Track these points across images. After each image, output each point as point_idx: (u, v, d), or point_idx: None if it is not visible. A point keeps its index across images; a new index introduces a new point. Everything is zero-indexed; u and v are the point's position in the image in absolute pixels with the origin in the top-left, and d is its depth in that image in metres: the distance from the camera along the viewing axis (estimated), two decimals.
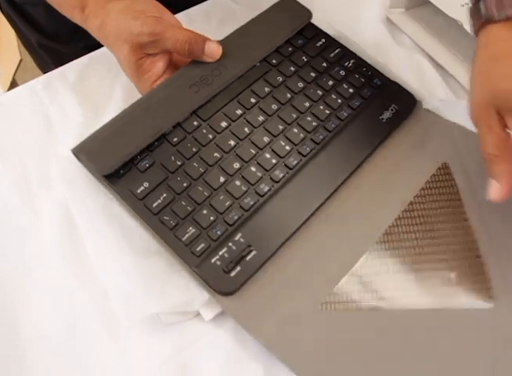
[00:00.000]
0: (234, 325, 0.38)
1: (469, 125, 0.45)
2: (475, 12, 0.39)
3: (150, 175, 0.41)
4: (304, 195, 0.42)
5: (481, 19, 0.38)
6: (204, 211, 0.40)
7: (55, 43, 0.68)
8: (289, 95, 0.46)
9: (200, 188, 0.40)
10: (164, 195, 0.40)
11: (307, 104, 0.46)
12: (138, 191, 0.40)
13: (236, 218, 0.40)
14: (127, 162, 0.41)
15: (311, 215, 0.41)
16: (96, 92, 0.51)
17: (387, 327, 0.37)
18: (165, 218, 0.39)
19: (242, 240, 0.39)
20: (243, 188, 0.41)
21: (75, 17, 0.47)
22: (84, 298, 0.40)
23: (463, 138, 0.46)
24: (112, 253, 0.40)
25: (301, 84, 0.47)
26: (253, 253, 0.38)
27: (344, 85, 0.47)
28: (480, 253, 0.40)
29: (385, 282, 0.39)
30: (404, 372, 0.36)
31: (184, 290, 0.38)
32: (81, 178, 0.44)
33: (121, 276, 0.39)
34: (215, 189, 0.41)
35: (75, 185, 0.44)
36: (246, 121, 0.44)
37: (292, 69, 0.47)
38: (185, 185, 0.40)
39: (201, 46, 0.43)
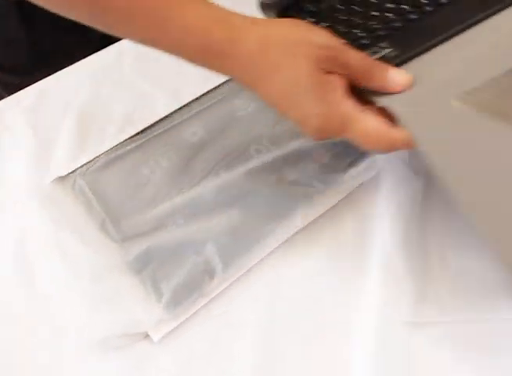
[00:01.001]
0: (183, 345, 0.39)
1: None
2: None
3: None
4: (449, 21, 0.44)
5: None
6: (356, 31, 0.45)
7: (13, 77, 0.65)
8: None
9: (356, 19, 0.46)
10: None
11: None
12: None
13: (382, 34, 0.44)
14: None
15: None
16: (48, 122, 0.52)
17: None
18: None
19: (385, 46, 0.42)
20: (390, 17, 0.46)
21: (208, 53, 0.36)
22: (34, 324, 0.40)
23: None
24: (61, 279, 0.41)
25: None
26: (393, 53, 0.41)
27: None
28: None
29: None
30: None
31: (132, 312, 0.39)
32: (33, 209, 0.45)
33: (70, 301, 0.40)
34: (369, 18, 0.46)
35: (27, 214, 0.45)
36: None
37: None
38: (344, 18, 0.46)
39: (384, 74, 0.37)
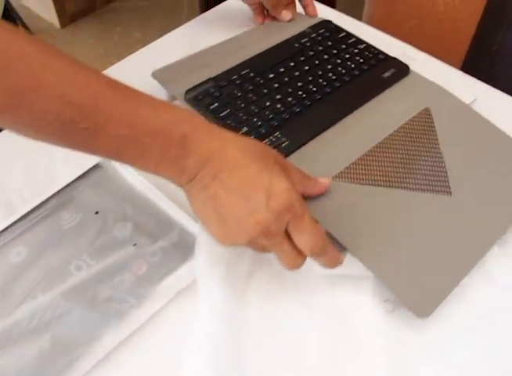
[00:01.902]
0: None
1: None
2: None
3: (221, 98, 0.59)
4: (329, 112, 0.59)
5: None
6: (255, 119, 0.57)
7: None
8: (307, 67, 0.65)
9: (253, 107, 0.58)
10: (228, 110, 0.58)
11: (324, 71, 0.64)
12: (211, 107, 0.58)
13: (275, 124, 0.57)
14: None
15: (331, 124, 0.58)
16: None
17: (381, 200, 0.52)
18: (228, 122, 0.56)
19: (279, 135, 0.56)
20: (281, 108, 0.58)
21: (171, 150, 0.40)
22: None
23: (442, 93, 0.62)
24: None
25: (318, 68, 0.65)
26: (286, 143, 0.55)
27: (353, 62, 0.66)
28: (446, 174, 0.54)
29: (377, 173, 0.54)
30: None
31: None
32: None
33: None
34: (263, 108, 0.58)
35: None
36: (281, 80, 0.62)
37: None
38: (242, 105, 0.58)
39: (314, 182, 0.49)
